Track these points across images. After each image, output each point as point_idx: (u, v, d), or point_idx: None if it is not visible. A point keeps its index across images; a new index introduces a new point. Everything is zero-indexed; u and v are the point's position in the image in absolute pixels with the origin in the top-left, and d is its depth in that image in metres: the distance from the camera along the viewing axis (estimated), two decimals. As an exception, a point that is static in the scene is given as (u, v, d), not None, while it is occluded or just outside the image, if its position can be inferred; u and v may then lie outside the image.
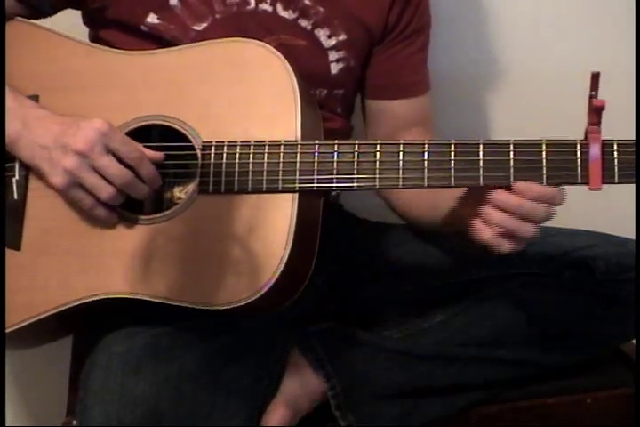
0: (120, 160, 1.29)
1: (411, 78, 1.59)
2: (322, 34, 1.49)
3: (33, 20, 1.45)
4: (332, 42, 1.50)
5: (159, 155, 1.33)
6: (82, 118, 1.30)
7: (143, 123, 1.36)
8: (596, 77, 1.17)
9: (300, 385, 1.48)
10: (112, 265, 1.33)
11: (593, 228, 1.62)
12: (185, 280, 1.31)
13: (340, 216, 1.61)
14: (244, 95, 1.34)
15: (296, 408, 1.46)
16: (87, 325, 1.44)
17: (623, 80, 1.74)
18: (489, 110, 1.98)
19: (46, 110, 1.35)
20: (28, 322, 1.35)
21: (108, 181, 1.29)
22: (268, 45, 1.35)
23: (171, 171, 1.36)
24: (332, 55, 1.51)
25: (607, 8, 1.89)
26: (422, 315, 1.57)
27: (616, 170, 1.22)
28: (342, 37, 1.50)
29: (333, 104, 1.53)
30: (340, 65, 1.52)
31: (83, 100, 1.38)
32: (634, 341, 1.62)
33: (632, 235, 1.49)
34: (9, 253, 1.36)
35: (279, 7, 1.47)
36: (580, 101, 1.22)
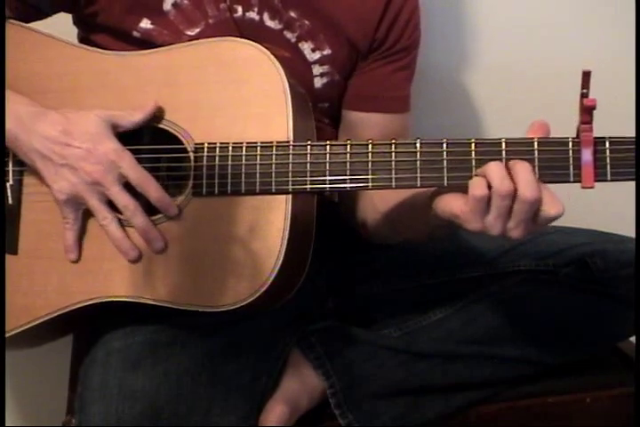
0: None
1: (393, 93, 1.56)
2: (306, 47, 1.48)
3: (22, 23, 1.44)
4: (316, 56, 1.49)
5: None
6: (82, 127, 1.31)
7: None
8: (587, 76, 1.17)
9: (300, 383, 1.49)
10: (110, 268, 1.34)
11: (592, 227, 1.62)
12: (184, 282, 1.32)
13: (338, 214, 1.61)
14: (235, 95, 1.34)
15: (295, 406, 1.47)
16: (87, 324, 1.45)
17: (618, 77, 1.74)
18: (480, 108, 1.98)
19: (37, 106, 1.34)
20: (27, 326, 1.35)
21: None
22: (258, 45, 1.34)
23: (163, 173, 1.36)
24: (316, 69, 1.50)
25: (602, 5, 1.89)
26: (421, 313, 1.57)
27: (608, 168, 1.21)
28: (327, 52, 1.49)
29: (319, 116, 1.51)
30: (325, 79, 1.51)
31: (73, 103, 1.37)
32: (634, 340, 1.61)
33: (632, 234, 1.49)
34: (6, 257, 1.36)
35: (266, 16, 1.46)
36: (573, 98, 1.21)
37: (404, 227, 1.46)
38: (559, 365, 1.56)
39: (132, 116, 1.33)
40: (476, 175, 1.22)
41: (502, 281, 1.57)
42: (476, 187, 1.19)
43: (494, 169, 1.19)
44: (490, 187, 1.19)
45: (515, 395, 1.56)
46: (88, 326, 1.45)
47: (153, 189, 1.30)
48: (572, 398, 1.57)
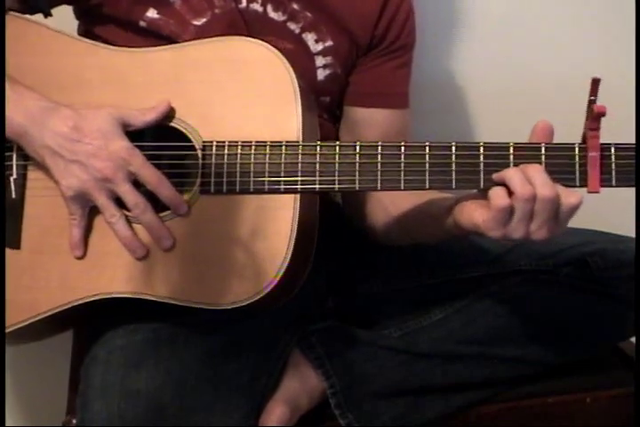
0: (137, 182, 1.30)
1: (395, 89, 1.57)
2: (310, 38, 1.48)
3: (27, 15, 1.42)
4: (319, 47, 1.49)
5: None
6: (93, 124, 1.30)
7: None
8: (596, 83, 1.18)
9: (300, 384, 1.49)
10: (114, 265, 1.33)
11: (592, 227, 1.63)
12: (187, 280, 1.32)
13: (339, 215, 1.61)
14: (245, 94, 1.34)
15: (295, 407, 1.47)
16: (87, 321, 1.45)
17: (618, 82, 1.74)
18: (486, 113, 1.97)
19: (47, 100, 1.33)
20: (28, 322, 1.35)
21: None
22: (268, 44, 1.34)
23: (170, 171, 1.34)
24: (319, 61, 1.50)
25: (600, 8, 1.90)
26: (421, 313, 1.58)
27: (614, 173, 1.23)
28: (329, 43, 1.49)
29: (320, 111, 1.50)
30: (327, 71, 1.51)
31: (78, 98, 1.36)
32: (634, 340, 1.62)
33: (632, 234, 1.50)
34: (9, 252, 1.36)
35: (269, 8, 1.46)
36: (578, 104, 1.23)
37: (418, 232, 1.47)
38: (559, 365, 1.57)
39: (144, 116, 1.32)
40: (493, 183, 1.23)
41: (502, 281, 1.58)
42: (498, 197, 1.20)
43: (514, 175, 1.21)
44: (510, 194, 1.20)
45: (515, 395, 1.56)
46: (89, 323, 1.45)
47: (165, 188, 1.29)
48: (572, 398, 1.57)
